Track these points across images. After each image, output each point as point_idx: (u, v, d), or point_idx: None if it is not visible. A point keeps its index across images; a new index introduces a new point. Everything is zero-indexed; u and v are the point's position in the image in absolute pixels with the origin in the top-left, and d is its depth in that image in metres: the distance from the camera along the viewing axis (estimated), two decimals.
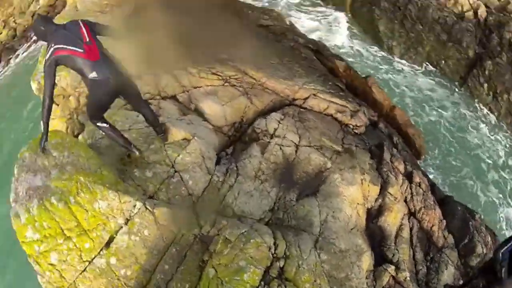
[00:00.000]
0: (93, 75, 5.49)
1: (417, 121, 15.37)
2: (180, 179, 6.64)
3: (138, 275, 5.95)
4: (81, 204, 5.50)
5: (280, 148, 7.94)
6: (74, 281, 5.62)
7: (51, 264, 5.48)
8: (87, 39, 5.53)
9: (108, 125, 6.34)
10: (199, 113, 8.15)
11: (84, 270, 5.62)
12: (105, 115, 6.26)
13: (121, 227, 5.81)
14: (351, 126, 9.71)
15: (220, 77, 8.71)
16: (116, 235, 5.79)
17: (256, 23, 12.89)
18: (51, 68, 5.34)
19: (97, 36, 5.73)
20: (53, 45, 5.30)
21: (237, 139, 8.25)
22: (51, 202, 5.33)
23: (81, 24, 5.63)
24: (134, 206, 5.88)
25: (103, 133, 6.36)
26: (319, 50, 12.76)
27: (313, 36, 14.00)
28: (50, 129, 5.75)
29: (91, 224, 5.59)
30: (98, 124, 6.23)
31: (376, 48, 17.45)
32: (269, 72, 9.39)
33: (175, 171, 6.68)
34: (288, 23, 13.94)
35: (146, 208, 5.96)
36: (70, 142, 6.13)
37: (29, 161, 5.69)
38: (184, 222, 6.35)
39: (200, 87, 8.49)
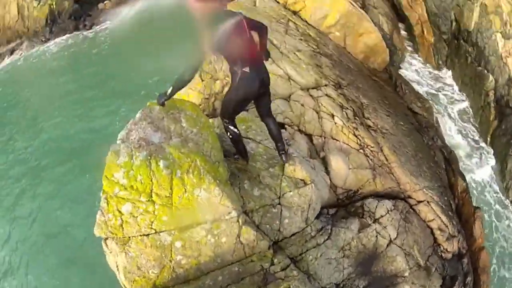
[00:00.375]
0: (246, 69, 5.56)
1: (494, 272, 14.61)
2: (279, 213, 6.62)
3: (189, 268, 5.97)
4: (184, 183, 5.54)
5: (376, 236, 7.76)
6: (129, 237, 5.66)
7: (119, 211, 5.50)
8: (248, 35, 5.59)
9: (238, 131, 6.44)
10: (324, 163, 8.13)
11: (147, 235, 5.67)
12: (242, 117, 6.36)
13: (206, 222, 5.83)
14: (441, 247, 9.34)
15: (359, 142, 8.63)
16: (195, 227, 5.83)
17: (407, 105, 12.75)
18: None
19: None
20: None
21: (343, 205, 8.15)
22: (157, 163, 5.39)
23: (243, 18, 5.65)
24: (229, 213, 5.87)
25: (228, 135, 6.43)
26: (450, 161, 12.40)
27: (452, 147, 13.55)
28: (186, 99, 5.90)
29: (182, 204, 5.61)
30: (229, 125, 6.33)
31: (498, 185, 16.70)
32: (401, 160, 9.20)
33: (279, 204, 6.68)
34: (435, 120, 13.65)
35: (238, 221, 5.98)
36: (204, 123, 6.23)
37: (156, 115, 5.84)
38: (261, 251, 6.36)
39: (337, 140, 8.47)
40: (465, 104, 15.16)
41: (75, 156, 17.52)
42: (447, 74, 16.19)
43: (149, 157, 5.40)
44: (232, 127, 6.28)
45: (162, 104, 5.85)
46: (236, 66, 5.58)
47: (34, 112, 20.90)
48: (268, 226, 6.51)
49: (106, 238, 5.82)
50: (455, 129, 14.18)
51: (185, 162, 5.56)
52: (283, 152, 6.82)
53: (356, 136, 8.66)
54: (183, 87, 5.72)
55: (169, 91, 5.64)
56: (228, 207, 5.84)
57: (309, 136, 8.43)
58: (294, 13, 12.49)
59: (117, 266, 5.97)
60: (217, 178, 5.83)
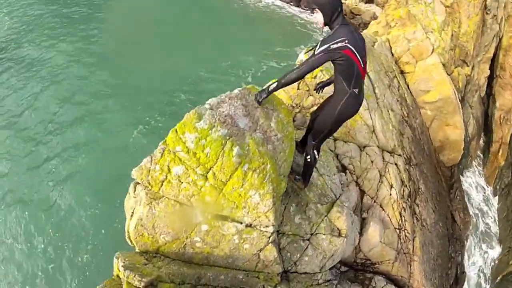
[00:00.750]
0: (356, 90, 5.38)
1: None
2: (304, 248, 6.46)
3: (199, 254, 5.86)
4: (245, 178, 5.38)
5: None
6: (163, 196, 5.52)
7: (169, 169, 5.34)
8: (365, 58, 5.37)
9: (317, 158, 6.27)
10: (361, 225, 7.94)
11: (181, 204, 5.52)
12: None
13: (241, 223, 5.70)
14: None
15: (400, 222, 8.38)
16: (230, 221, 5.69)
17: (451, 210, 12.47)
18: (327, 57, 5.05)
19: None
20: (346, 41, 4.96)
21: (355, 269, 7.96)
22: (232, 147, 5.23)
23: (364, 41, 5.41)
24: (267, 226, 5.75)
25: (308, 157, 6.26)
26: (458, 280, 12.11)
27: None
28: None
29: (231, 195, 5.46)
30: (314, 148, 6.15)
31: None
32: (423, 258, 8.93)
33: (308, 240, 6.52)
34: (466, 237, 13.32)
35: (269, 237, 5.84)
36: (290, 133, 6.05)
37: (252, 101, 5.70)
38: (270, 273, 6.22)
39: (384, 211, 8.26)
40: (497, 250, 14.63)
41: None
42: (496, 203, 15.76)
43: (227, 137, 5.26)
44: (316, 152, 6.12)
45: (259, 102, 5.70)
46: (348, 84, 5.32)
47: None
48: (288, 254, 6.36)
49: (138, 183, 5.70)
50: (476, 259, 13.75)
51: (257, 160, 5.41)
52: (306, 180, 6.74)
53: (401, 216, 8.44)
54: (287, 85, 5.53)
55: (273, 86, 5.48)
56: (269, 220, 5.69)
57: (362, 193, 8.22)
58: (402, 72, 12.28)
59: (132, 213, 5.84)
60: (276, 190, 5.68)
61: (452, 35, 13.35)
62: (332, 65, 5.33)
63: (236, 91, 5.73)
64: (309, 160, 6.21)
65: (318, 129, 5.97)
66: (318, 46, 5.07)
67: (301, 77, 5.29)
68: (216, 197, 5.46)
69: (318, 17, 5.18)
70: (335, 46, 4.97)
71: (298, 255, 6.44)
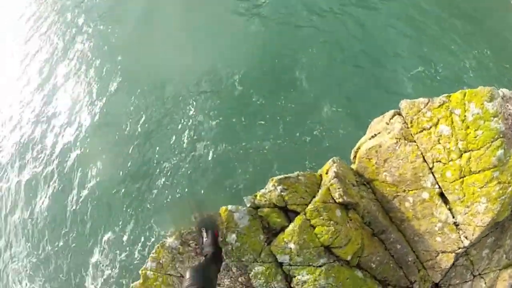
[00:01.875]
0: None
1: None
2: (465, 281, 5.96)
3: (400, 213, 5.53)
4: (488, 183, 4.87)
5: None
6: (414, 141, 5.14)
7: (437, 123, 4.93)
8: None
9: None
10: None
11: (424, 160, 5.14)
12: None
13: (454, 217, 5.24)
14: None
15: None
16: (447, 208, 5.25)
17: None
18: None
19: None
20: None
21: None
22: (498, 148, 4.72)
23: None
24: (466, 238, 5.27)
25: None
26: None
27: None
28: None
29: (467, 188, 4.97)
30: None
31: None
32: None
33: (474, 276, 5.99)
34: None
35: (459, 248, 5.40)
36: None
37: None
38: (428, 275, 5.85)
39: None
40: None
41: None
42: None
43: (501, 135, 4.70)
44: None
45: None
46: None
47: None
48: (453, 274, 5.89)
49: (400, 114, 5.31)
50: None
51: (507, 175, 4.83)
52: None
53: None
54: None
55: None
56: (472, 235, 5.22)
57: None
58: None
59: (375, 135, 5.53)
60: (498, 214, 5.09)
61: None
62: None
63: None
64: None
65: None
66: None
67: None
68: (455, 179, 5.04)
69: None
70: None
71: (457, 282, 5.97)
